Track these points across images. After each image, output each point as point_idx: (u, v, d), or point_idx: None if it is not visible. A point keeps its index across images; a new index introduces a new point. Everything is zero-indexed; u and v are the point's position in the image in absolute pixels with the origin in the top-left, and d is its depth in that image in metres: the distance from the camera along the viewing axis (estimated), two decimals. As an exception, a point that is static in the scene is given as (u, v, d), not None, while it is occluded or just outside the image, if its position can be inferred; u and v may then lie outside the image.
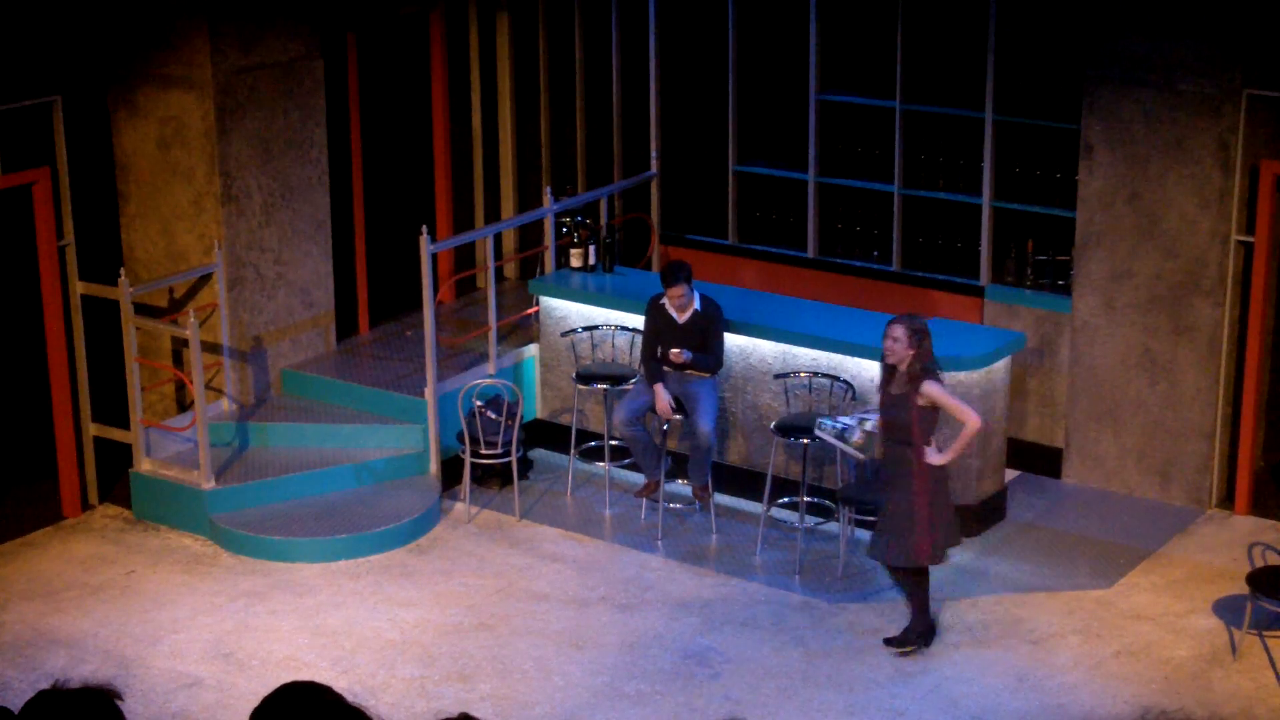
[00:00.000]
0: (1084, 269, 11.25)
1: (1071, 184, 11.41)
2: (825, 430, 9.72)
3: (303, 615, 10.00)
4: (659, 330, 10.75)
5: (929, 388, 9.03)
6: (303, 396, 11.83)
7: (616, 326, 11.64)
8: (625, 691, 9.18)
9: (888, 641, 9.55)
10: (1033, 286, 11.74)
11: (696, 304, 10.67)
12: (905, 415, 9.08)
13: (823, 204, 12.65)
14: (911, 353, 9.04)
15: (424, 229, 11.33)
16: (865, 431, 9.55)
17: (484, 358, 11.94)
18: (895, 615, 9.89)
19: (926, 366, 9.07)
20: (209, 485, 10.88)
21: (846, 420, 9.70)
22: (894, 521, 9.26)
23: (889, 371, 9.22)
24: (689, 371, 10.69)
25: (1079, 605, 10.00)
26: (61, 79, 10.89)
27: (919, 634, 9.53)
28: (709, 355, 10.61)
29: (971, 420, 9.05)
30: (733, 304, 11.15)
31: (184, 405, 11.56)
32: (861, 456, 9.36)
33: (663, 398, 10.64)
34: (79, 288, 11.09)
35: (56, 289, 10.97)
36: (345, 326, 12.40)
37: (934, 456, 9.12)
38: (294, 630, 9.84)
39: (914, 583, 9.47)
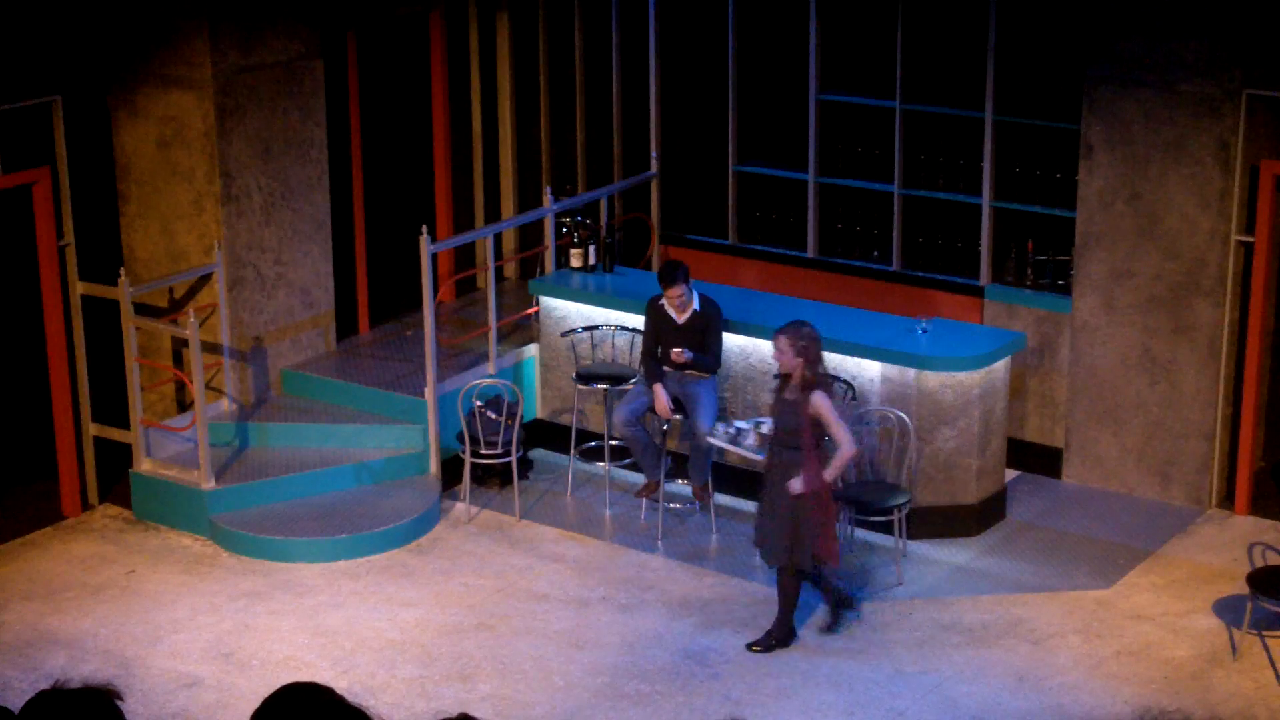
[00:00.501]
0: (1084, 269, 11.25)
1: (1071, 184, 11.41)
2: (719, 435, 9.91)
3: (303, 615, 10.00)
4: (659, 330, 10.76)
5: (816, 399, 9.14)
6: (303, 396, 11.83)
7: (616, 326, 11.64)
8: (625, 691, 9.18)
9: (750, 646, 9.56)
10: (1033, 286, 11.74)
11: (695, 304, 10.67)
12: (796, 421, 9.19)
13: (823, 204, 12.65)
14: (800, 360, 9.15)
15: (424, 229, 11.32)
16: (760, 434, 9.75)
17: (484, 358, 11.94)
18: (895, 614, 9.90)
19: (819, 375, 9.19)
20: (209, 485, 10.88)
21: (741, 424, 9.96)
22: (779, 524, 9.32)
23: (784, 378, 9.33)
24: (688, 372, 10.69)
25: (1079, 605, 10.00)
26: (61, 79, 10.89)
27: (780, 638, 9.57)
28: (708, 355, 10.62)
29: (845, 447, 9.18)
30: (733, 304, 11.15)
31: (184, 405, 11.55)
32: (758, 457, 9.59)
33: (662, 398, 10.64)
34: (79, 288, 11.08)
35: (56, 289, 10.97)
36: (345, 326, 12.40)
37: (823, 472, 9.23)
38: (294, 630, 9.84)
39: (793, 587, 9.50)
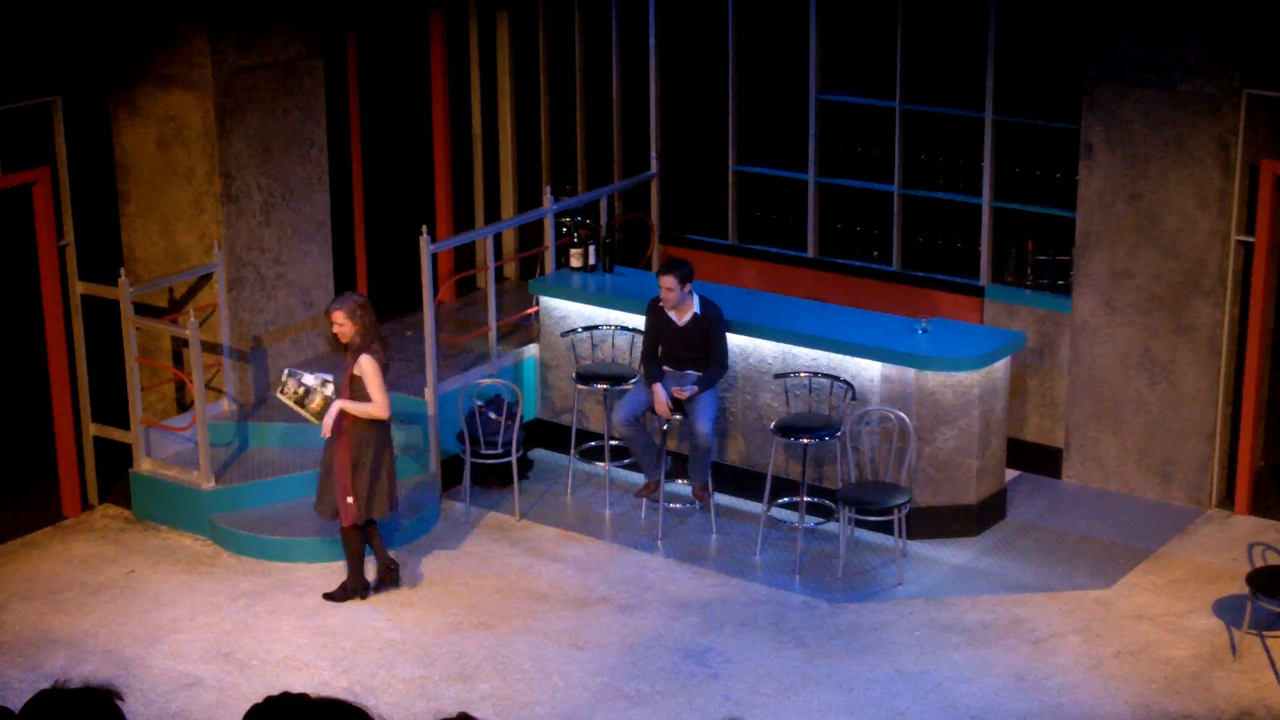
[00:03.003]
0: (1084, 269, 11.25)
1: (1071, 184, 11.42)
2: (287, 392, 10.13)
3: (303, 615, 10.00)
4: (659, 331, 10.76)
5: (364, 359, 9.69)
6: (303, 396, 11.82)
7: (616, 326, 11.64)
8: (625, 691, 9.18)
9: (327, 595, 10.11)
10: (1033, 286, 11.74)
11: (696, 307, 10.67)
12: (340, 381, 9.77)
13: (823, 204, 12.65)
14: (356, 327, 9.68)
15: (424, 229, 11.33)
16: (325, 396, 10.04)
17: (484, 358, 11.94)
18: (895, 614, 9.90)
19: (374, 340, 9.72)
20: (209, 485, 10.88)
21: (310, 380, 10.12)
22: (324, 477, 9.96)
23: (345, 346, 9.85)
24: (689, 370, 10.70)
25: (1079, 605, 10.00)
26: (61, 79, 10.89)
27: (353, 589, 10.08)
28: (711, 369, 10.61)
29: (378, 408, 9.74)
30: (733, 304, 11.16)
31: (184, 405, 11.56)
32: (317, 421, 10.02)
33: (661, 398, 10.65)
34: (79, 288, 11.09)
35: (56, 289, 10.97)
36: (345, 326, 12.39)
37: (332, 407, 9.76)
38: (294, 630, 9.85)
39: (347, 540, 10.01)
